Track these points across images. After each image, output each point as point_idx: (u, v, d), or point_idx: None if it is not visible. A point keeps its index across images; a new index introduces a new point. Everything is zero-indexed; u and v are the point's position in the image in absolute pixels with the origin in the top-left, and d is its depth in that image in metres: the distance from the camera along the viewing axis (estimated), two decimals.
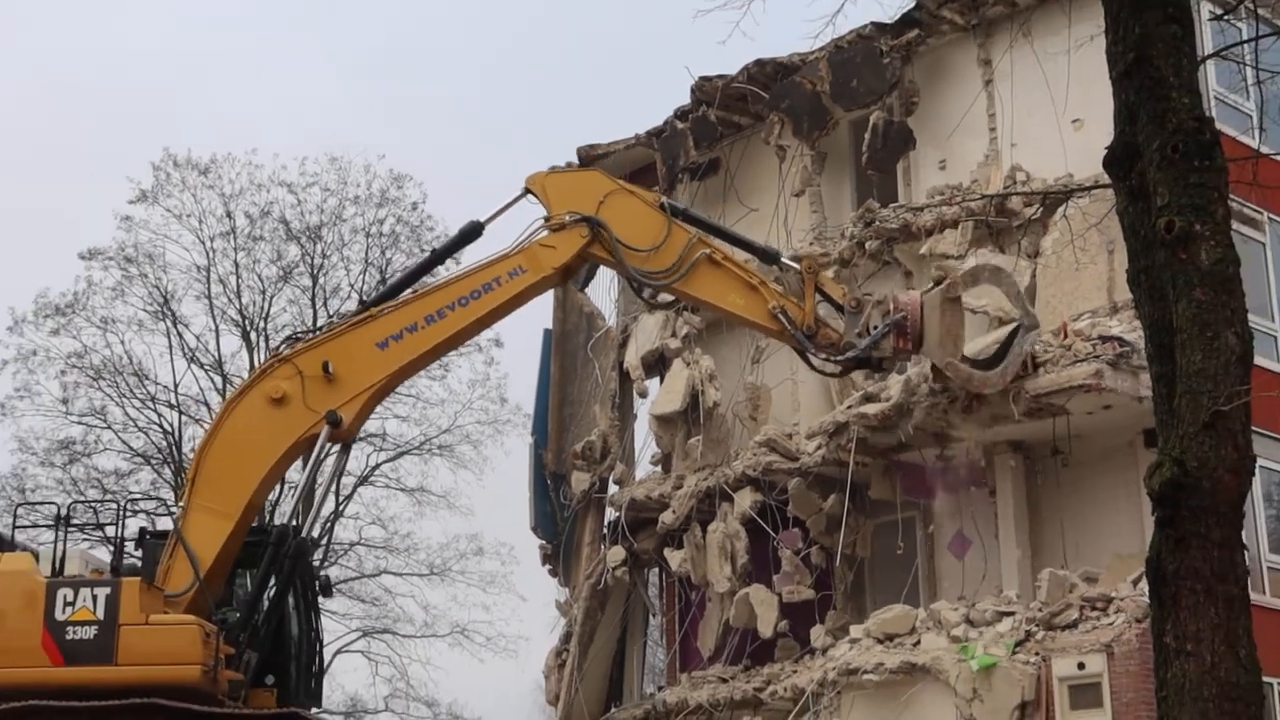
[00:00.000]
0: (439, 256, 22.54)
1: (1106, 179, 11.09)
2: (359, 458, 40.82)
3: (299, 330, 37.66)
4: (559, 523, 30.95)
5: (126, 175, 45.58)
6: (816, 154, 27.91)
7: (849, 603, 25.76)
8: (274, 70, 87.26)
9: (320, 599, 21.53)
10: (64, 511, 20.20)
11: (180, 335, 41.54)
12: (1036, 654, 21.56)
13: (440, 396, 42.95)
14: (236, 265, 41.77)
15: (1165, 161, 10.13)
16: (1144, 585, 13.74)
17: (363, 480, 42.74)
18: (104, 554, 20.01)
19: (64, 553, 19.47)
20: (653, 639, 33.58)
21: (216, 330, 41.74)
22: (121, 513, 20.46)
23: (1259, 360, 11.00)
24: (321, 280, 42.21)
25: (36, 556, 19.57)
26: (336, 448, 21.26)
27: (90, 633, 18.69)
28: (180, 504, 20.89)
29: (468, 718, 46.24)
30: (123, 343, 41.14)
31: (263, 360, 36.30)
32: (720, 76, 28.71)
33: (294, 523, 21.74)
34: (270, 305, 42.04)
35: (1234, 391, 9.72)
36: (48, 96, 78.44)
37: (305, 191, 42.11)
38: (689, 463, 28.01)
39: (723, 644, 27.05)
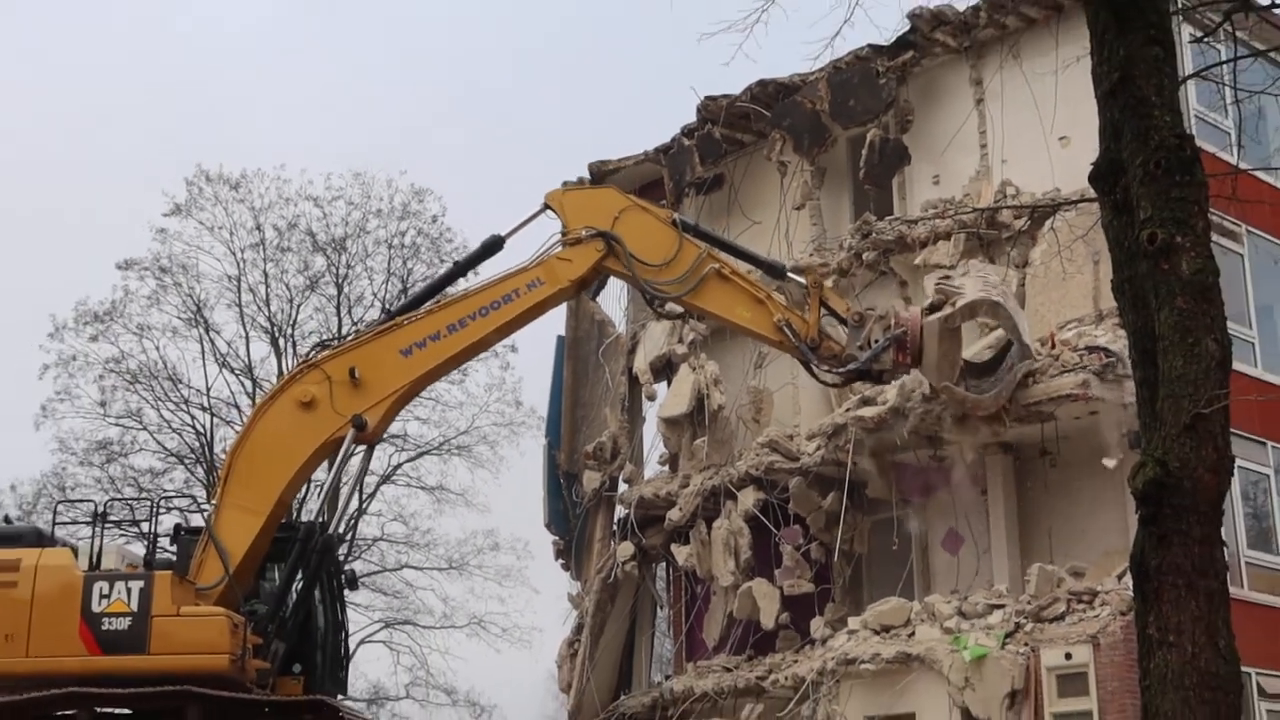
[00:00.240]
0: (461, 269, 22.53)
1: (1092, 193, 11.09)
2: (381, 458, 40.86)
3: (326, 337, 37.87)
4: (571, 519, 30.93)
5: (161, 190, 45.56)
6: (816, 169, 27.91)
7: (847, 596, 25.72)
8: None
9: (345, 592, 21.53)
10: (101, 509, 20.22)
11: (212, 342, 41.59)
12: (1026, 645, 21.51)
13: (459, 400, 42.99)
14: (265, 275, 41.82)
15: (1148, 177, 10.13)
16: (1128, 580, 13.70)
17: (385, 479, 42.77)
18: (139, 549, 20.02)
19: (101, 548, 19.49)
20: (660, 630, 33.56)
21: (246, 337, 41.81)
22: (155, 510, 20.49)
23: (1237, 366, 10.98)
24: (346, 289, 42.25)
25: (75, 551, 19.59)
26: (361, 449, 21.26)
27: (124, 623, 18.71)
28: (212, 502, 20.91)
29: (484, 705, 46.23)
30: (158, 349, 41.21)
31: (291, 366, 36.43)
32: (725, 96, 28.71)
33: (320, 520, 21.71)
34: (297, 313, 42.08)
35: (1214, 395, 9.71)
36: (92, 102, 78.44)
37: (330, 205, 42.17)
38: (695, 462, 28.00)
39: (727, 635, 27.02)
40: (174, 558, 19.52)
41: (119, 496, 36.58)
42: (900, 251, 25.94)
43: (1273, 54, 13.97)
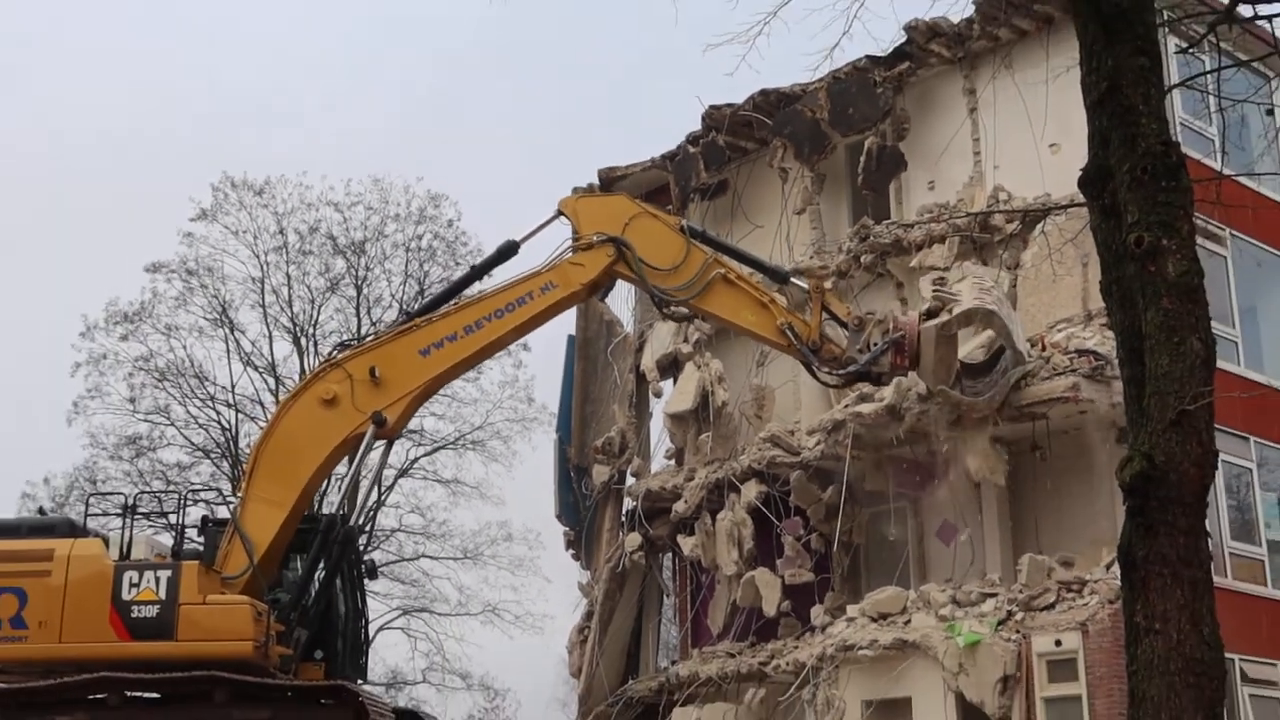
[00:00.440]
0: (477, 272, 22.49)
1: (1081, 198, 11.08)
2: (399, 452, 40.87)
3: (346, 337, 37.84)
4: (581, 511, 30.94)
5: (189, 195, 45.59)
6: (816, 176, 27.88)
7: (846, 585, 25.70)
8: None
9: (365, 581, 21.53)
10: (131, 501, 20.23)
11: (237, 341, 41.64)
12: (1017, 632, 21.50)
13: (473, 396, 43.03)
14: (288, 277, 41.86)
15: (1135, 182, 10.12)
16: (1116, 569, 13.68)
17: (403, 473, 42.79)
18: (167, 539, 20.01)
19: (131, 538, 19.50)
20: (666, 617, 33.52)
21: (270, 336, 41.84)
22: (183, 502, 20.48)
23: (1221, 364, 10.95)
24: (365, 291, 42.28)
25: (106, 542, 19.60)
26: (381, 444, 21.26)
27: (153, 611, 18.72)
28: (238, 494, 20.91)
29: (498, 688, 46.27)
30: (185, 348, 41.24)
31: (313, 364, 36.46)
32: (728, 105, 28.68)
33: (341, 512, 21.71)
34: (319, 314, 42.12)
35: (1198, 392, 9.70)
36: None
37: (350, 210, 42.25)
38: (700, 457, 28.00)
39: (730, 622, 27.01)
40: (201, 548, 19.50)
41: (148, 489, 36.57)
42: (897, 254, 25.93)
43: (1255, 64, 13.95)
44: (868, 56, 26.21)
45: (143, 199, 67.88)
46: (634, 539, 28.75)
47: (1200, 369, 9.78)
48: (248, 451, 23.80)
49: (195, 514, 21.08)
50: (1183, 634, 9.49)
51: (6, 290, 73.38)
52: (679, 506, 27.77)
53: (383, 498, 41.56)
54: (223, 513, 20.83)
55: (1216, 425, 9.96)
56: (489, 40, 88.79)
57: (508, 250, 21.63)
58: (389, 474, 40.80)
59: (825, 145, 27.44)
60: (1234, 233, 24.08)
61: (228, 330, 41.46)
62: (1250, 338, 24.59)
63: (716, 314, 21.80)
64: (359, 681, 20.60)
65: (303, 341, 41.82)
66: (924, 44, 26.11)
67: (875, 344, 20.77)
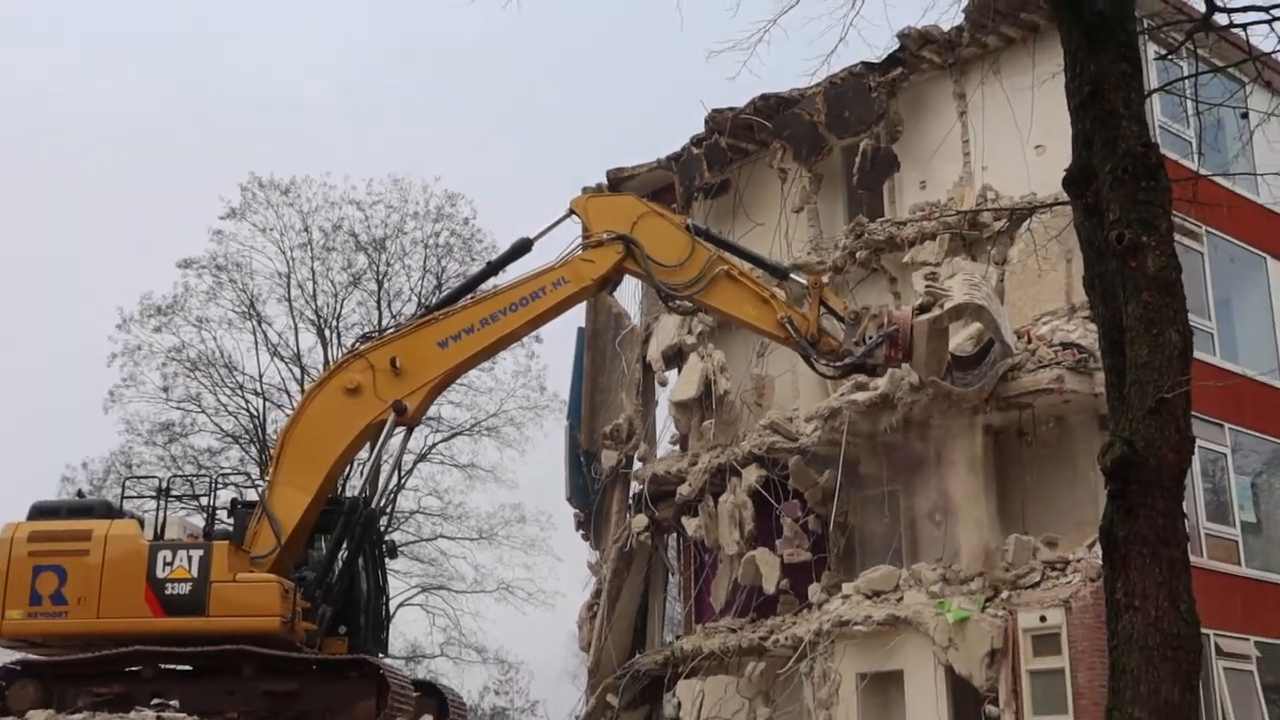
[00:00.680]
0: (493, 268, 22.49)
1: (1065, 197, 11.06)
2: (418, 438, 40.77)
3: (368, 330, 37.87)
4: (590, 494, 30.92)
5: (219, 195, 45.60)
6: (814, 176, 27.85)
7: (841, 564, 25.69)
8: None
9: (385, 560, 21.57)
10: (164, 484, 20.31)
11: (264, 333, 41.63)
12: (1004, 609, 21.51)
13: (488, 385, 42.97)
14: (313, 272, 41.83)
15: (1116, 182, 10.11)
16: (1098, 549, 13.69)
17: (421, 457, 42.79)
18: (199, 521, 20.05)
19: (164, 519, 19.56)
20: (671, 594, 33.52)
21: (295, 328, 41.83)
22: (213, 485, 20.54)
23: (1198, 354, 10.95)
24: (386, 285, 42.25)
25: (141, 523, 19.66)
26: (401, 431, 21.27)
27: (185, 588, 18.79)
28: (266, 478, 20.95)
29: (511, 662, 46.34)
30: (215, 339, 41.26)
31: (337, 355, 36.47)
32: (730, 108, 28.64)
33: (363, 494, 21.74)
34: (342, 307, 42.10)
35: (1176, 381, 9.69)
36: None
37: (371, 209, 42.21)
38: (703, 442, 28.00)
39: (732, 599, 27.02)
40: (231, 529, 19.56)
41: (181, 473, 36.59)
42: (890, 250, 25.90)
43: (1230, 70, 13.92)
44: (863, 63, 26.16)
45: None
46: (640, 520, 28.76)
47: (1178, 359, 9.77)
48: (275, 437, 23.78)
49: (225, 496, 21.14)
50: (1161, 610, 9.49)
51: (50, 286, 73.55)
52: (683, 489, 27.77)
53: (402, 481, 41.61)
54: (251, 495, 20.82)
55: (1193, 413, 9.96)
56: (493, 42, 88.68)
57: (521, 247, 21.63)
58: (408, 459, 40.85)
59: (822, 147, 27.41)
60: (1210, 230, 24.04)
61: (255, 323, 41.51)
62: (1225, 330, 24.56)
63: (719, 308, 21.79)
64: (380, 655, 20.65)
65: (327, 334, 41.85)
66: (916, 51, 26.06)
67: (870, 337, 20.76)
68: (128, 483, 24.54)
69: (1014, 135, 24.25)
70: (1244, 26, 11.78)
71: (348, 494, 24.09)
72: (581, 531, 31.46)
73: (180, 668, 19.28)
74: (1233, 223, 24.27)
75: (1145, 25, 13.95)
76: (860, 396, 24.03)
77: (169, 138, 76.18)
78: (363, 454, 24.84)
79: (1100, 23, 10.36)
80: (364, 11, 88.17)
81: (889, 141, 26.51)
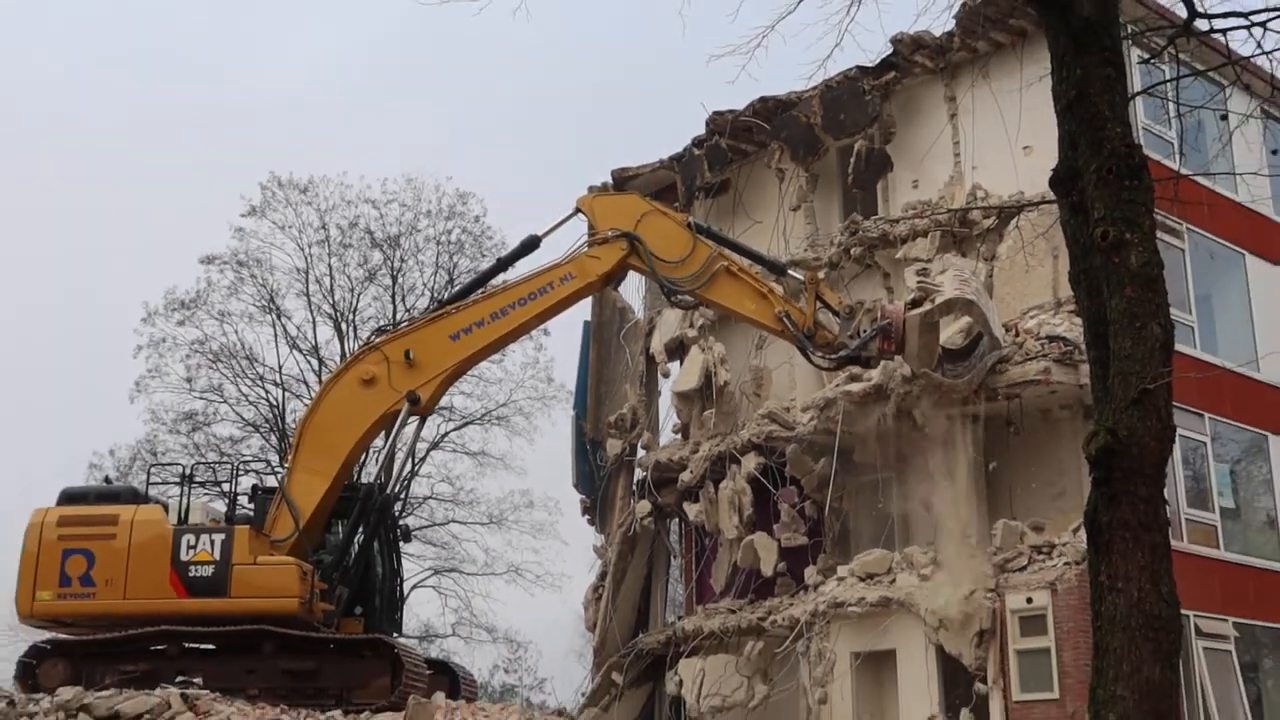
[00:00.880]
0: (502, 265, 22.52)
1: (1052, 196, 11.04)
2: (431, 427, 40.90)
3: (383, 323, 37.86)
4: (596, 481, 30.94)
5: (240, 194, 45.65)
6: (810, 175, 27.81)
7: (836, 547, 25.69)
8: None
9: (400, 543, 21.60)
10: (188, 471, 20.38)
11: (283, 326, 41.69)
12: (993, 590, 21.50)
13: (498, 376, 43.05)
14: (330, 268, 41.91)
15: (1101, 181, 10.09)
16: (1082, 534, 13.69)
17: (434, 445, 42.85)
18: (221, 506, 20.11)
19: (188, 505, 19.62)
20: (673, 577, 33.55)
21: (314, 322, 41.91)
22: (235, 472, 20.63)
23: (1179, 347, 10.92)
24: (400, 280, 42.33)
25: (166, 508, 19.71)
26: (415, 420, 21.29)
27: (208, 571, 18.85)
28: (285, 465, 20.99)
29: (520, 641, 46.41)
30: (236, 332, 41.34)
31: (353, 348, 36.47)
32: (730, 111, 28.60)
33: (379, 481, 21.78)
34: (358, 301, 42.18)
35: (1158, 373, 9.68)
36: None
37: (386, 207, 42.28)
38: (704, 431, 27.99)
39: (732, 581, 27.02)
40: (252, 514, 19.60)
41: (204, 461, 36.74)
42: (883, 247, 25.87)
43: (1211, 74, 13.89)
44: (857, 67, 26.12)
45: (199, 198, 68.00)
46: (644, 506, 28.77)
47: (1160, 352, 9.76)
48: (294, 426, 23.83)
49: (246, 483, 21.19)
50: (1143, 592, 9.48)
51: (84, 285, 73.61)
52: (685, 476, 27.77)
53: (416, 468, 41.67)
54: (271, 482, 20.88)
55: (1174, 403, 9.94)
56: (499, 44, 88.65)
57: (530, 244, 21.65)
58: (422, 446, 40.93)
59: (818, 148, 27.37)
60: (1190, 227, 24.00)
61: (275, 316, 41.57)
62: (1205, 323, 24.53)
63: (720, 303, 21.80)
64: (395, 635, 20.69)
65: (343, 327, 41.92)
66: (909, 55, 26.02)
67: (864, 331, 20.76)
68: (153, 470, 24.57)
69: (1003, 136, 24.22)
70: (1224, 32, 11.74)
71: (364, 480, 24.11)
72: (587, 517, 31.47)
73: (203, 647, 19.34)
74: (1213, 220, 24.24)
75: (1129, 30, 13.91)
76: (855, 388, 24.01)
77: (189, 141, 76.22)
78: (378, 442, 24.85)
79: (1086, 28, 10.34)
80: (363, 12, 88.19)
81: (882, 142, 26.48)
